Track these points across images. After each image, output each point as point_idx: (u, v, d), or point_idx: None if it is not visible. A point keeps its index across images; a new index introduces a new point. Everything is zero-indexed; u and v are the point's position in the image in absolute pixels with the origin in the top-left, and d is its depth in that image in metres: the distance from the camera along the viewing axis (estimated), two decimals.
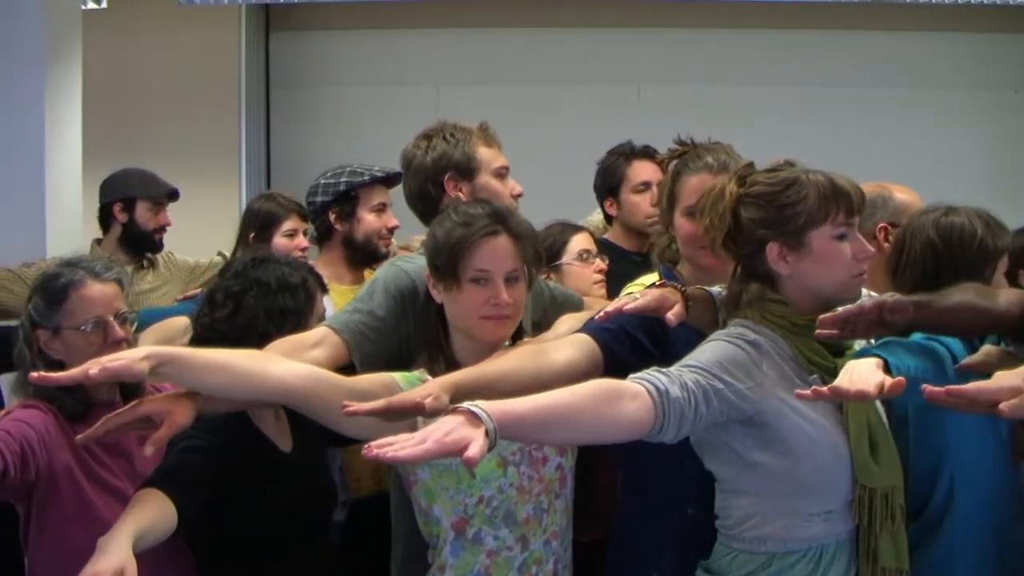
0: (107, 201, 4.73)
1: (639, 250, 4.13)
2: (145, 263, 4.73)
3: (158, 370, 2.22)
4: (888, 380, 2.13)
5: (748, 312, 2.43)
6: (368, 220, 3.86)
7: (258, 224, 4.29)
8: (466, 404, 1.94)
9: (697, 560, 2.53)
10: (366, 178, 3.85)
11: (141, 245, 4.72)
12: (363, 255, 3.88)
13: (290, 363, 2.42)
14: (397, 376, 2.52)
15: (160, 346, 2.31)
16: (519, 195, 3.10)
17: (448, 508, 2.55)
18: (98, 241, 4.77)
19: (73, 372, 2.17)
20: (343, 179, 3.86)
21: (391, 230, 3.90)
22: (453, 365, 2.55)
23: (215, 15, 7.27)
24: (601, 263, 3.74)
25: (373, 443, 1.85)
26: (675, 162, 2.79)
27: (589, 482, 2.94)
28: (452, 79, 7.61)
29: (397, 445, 1.85)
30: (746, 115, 7.11)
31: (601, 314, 2.46)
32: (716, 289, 2.58)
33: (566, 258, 3.69)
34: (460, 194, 2.98)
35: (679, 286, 2.50)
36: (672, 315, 2.38)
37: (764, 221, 2.39)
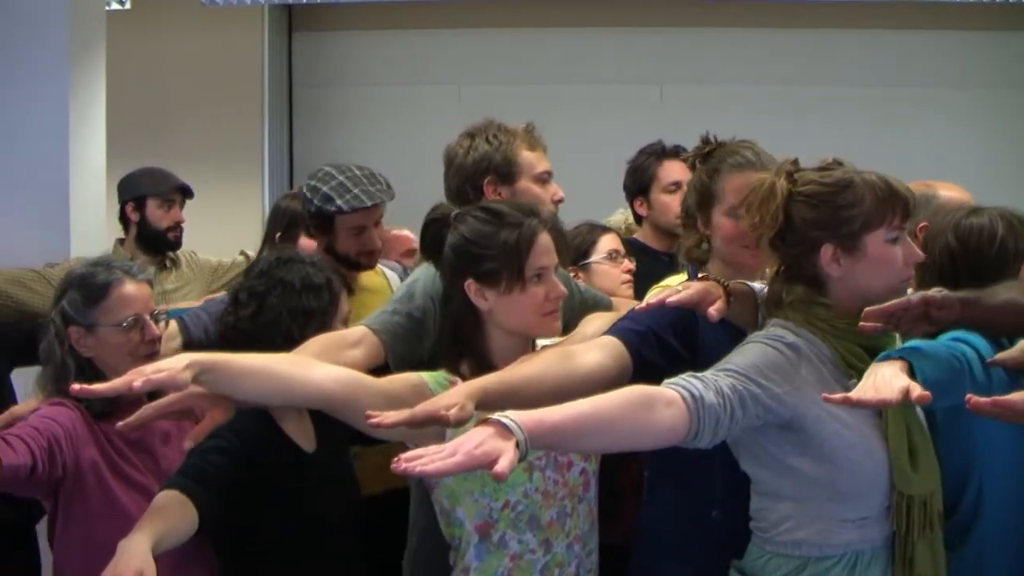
0: (122, 202, 4.74)
1: (668, 250, 4.05)
2: (168, 263, 4.69)
3: (200, 379, 2.21)
4: (915, 387, 2.09)
5: (790, 313, 2.39)
6: (347, 243, 3.61)
7: (284, 223, 4.25)
8: (496, 415, 1.91)
9: (721, 563, 2.51)
10: (346, 208, 3.55)
11: (156, 244, 4.68)
12: (347, 265, 3.62)
13: (328, 368, 2.40)
14: (426, 376, 2.51)
15: (201, 354, 2.28)
16: (560, 200, 3.07)
17: (472, 511, 2.54)
18: (120, 241, 4.77)
19: (116, 383, 2.15)
20: (327, 205, 3.57)
21: (371, 253, 3.68)
22: (486, 367, 2.51)
23: (238, 15, 7.29)
24: (629, 263, 3.73)
25: (402, 456, 1.84)
26: (710, 160, 2.75)
27: (613, 487, 2.93)
28: (474, 79, 7.60)
29: (426, 458, 1.83)
30: (770, 115, 7.09)
31: (642, 307, 2.43)
32: (758, 285, 2.54)
33: (594, 258, 3.69)
34: (499, 198, 2.95)
35: (722, 281, 2.47)
36: (714, 310, 2.35)
37: (818, 222, 2.35)
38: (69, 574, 2.77)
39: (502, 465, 1.81)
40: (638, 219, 4.26)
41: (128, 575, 2.10)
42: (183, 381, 2.17)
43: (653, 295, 2.46)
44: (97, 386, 2.19)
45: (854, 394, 2.09)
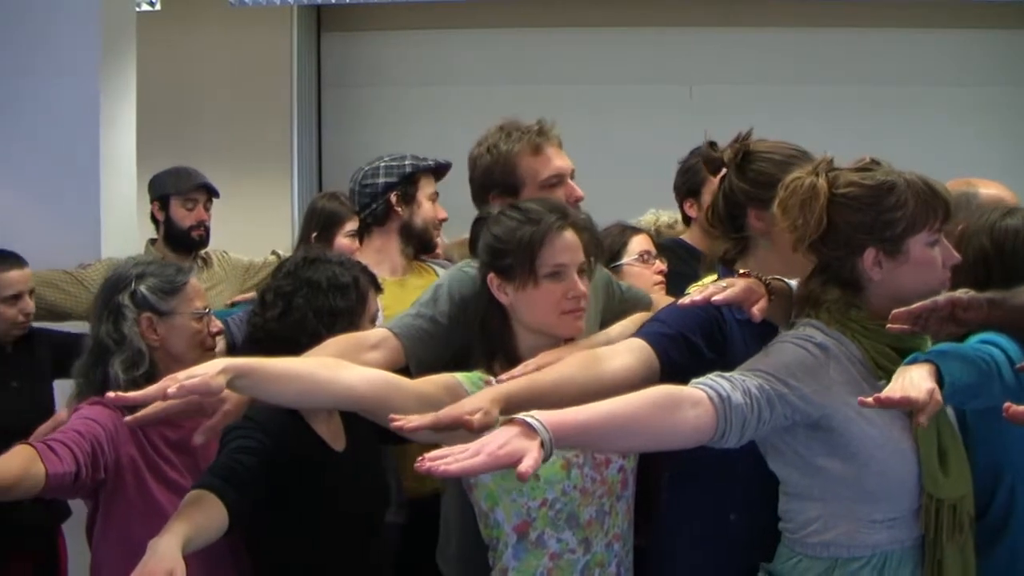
0: (150, 201, 4.76)
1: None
2: (199, 262, 4.69)
3: (234, 383, 2.21)
4: (937, 393, 2.08)
5: (822, 314, 2.36)
6: (426, 207, 3.78)
7: (321, 223, 4.27)
8: (521, 415, 1.91)
9: (740, 566, 2.49)
10: (430, 163, 3.80)
11: (181, 243, 4.68)
12: (418, 243, 3.79)
13: (360, 369, 2.39)
14: (460, 377, 2.51)
15: (235, 359, 2.28)
16: (578, 199, 3.00)
17: (510, 511, 2.54)
18: (152, 241, 4.78)
19: (150, 390, 2.16)
20: (407, 162, 3.77)
21: (441, 222, 3.84)
22: (515, 365, 2.53)
23: (267, 16, 7.31)
24: (661, 264, 3.70)
25: (426, 456, 1.83)
26: (752, 160, 2.68)
27: (646, 486, 2.92)
28: (502, 79, 7.59)
29: (450, 458, 1.83)
30: (799, 114, 7.05)
31: (688, 302, 2.41)
32: (794, 282, 2.51)
33: (626, 259, 3.66)
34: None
35: (764, 278, 2.44)
36: (756, 310, 2.34)
37: (862, 225, 2.31)
38: (107, 573, 2.79)
39: (526, 464, 1.81)
40: (687, 220, 4.18)
41: (158, 575, 2.10)
42: (217, 386, 2.17)
43: (695, 291, 2.42)
44: (132, 394, 2.21)
45: (883, 394, 2.07)
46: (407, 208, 3.73)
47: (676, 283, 3.59)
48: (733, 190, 2.67)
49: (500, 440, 1.86)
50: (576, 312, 2.58)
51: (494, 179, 2.97)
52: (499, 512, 2.55)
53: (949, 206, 2.34)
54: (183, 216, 4.67)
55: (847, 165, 2.40)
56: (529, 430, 1.88)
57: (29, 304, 3.90)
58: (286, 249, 4.50)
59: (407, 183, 3.72)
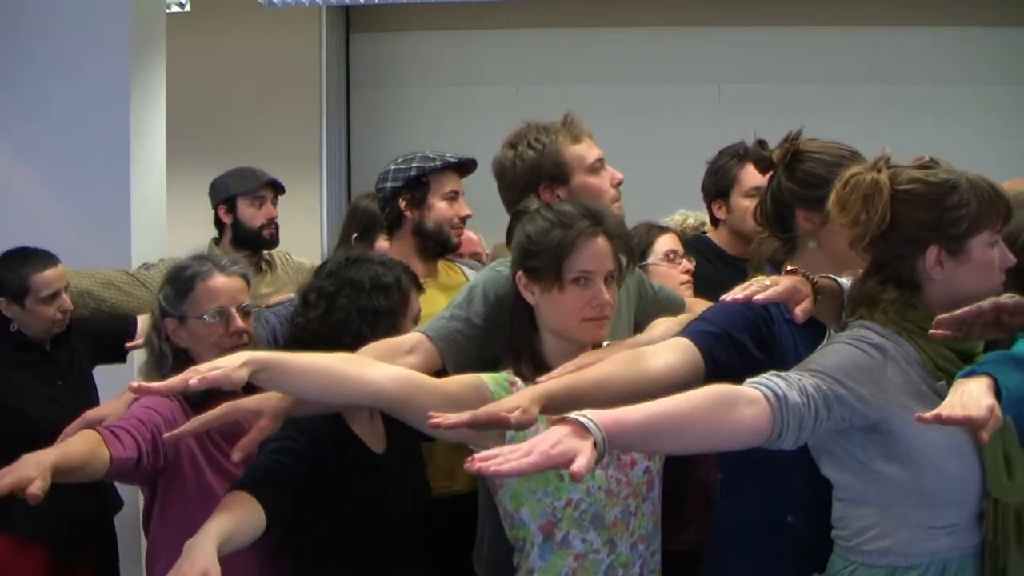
0: (214, 205, 4.62)
1: (744, 256, 3.81)
2: (263, 265, 4.59)
3: (256, 376, 2.21)
4: (999, 410, 2.03)
5: (878, 315, 2.31)
6: (439, 208, 3.64)
7: (363, 224, 4.23)
8: (574, 414, 1.87)
9: (797, 571, 2.43)
10: (437, 164, 3.64)
11: (252, 243, 4.54)
12: (434, 244, 3.66)
13: (385, 367, 2.39)
14: (485, 377, 2.50)
15: (257, 352, 2.29)
16: (620, 182, 3.01)
17: (536, 511, 2.53)
18: (215, 241, 4.64)
19: (172, 382, 2.17)
20: (414, 164, 3.65)
21: (463, 219, 3.70)
22: (541, 367, 2.53)
23: (296, 17, 7.33)
24: (688, 263, 3.65)
25: (476, 456, 1.80)
26: (803, 160, 2.62)
27: (678, 490, 2.91)
28: (531, 79, 7.60)
29: (501, 458, 1.79)
30: (828, 113, 7.02)
31: (729, 299, 2.35)
32: (845, 281, 2.46)
33: (652, 258, 3.61)
34: (559, 199, 2.88)
35: (811, 277, 2.39)
36: (800, 311, 2.29)
37: (926, 222, 2.26)
38: (164, 561, 2.79)
39: (579, 464, 1.76)
40: (715, 221, 4.12)
41: (193, 575, 2.11)
42: (239, 379, 2.18)
43: (740, 289, 2.36)
44: (154, 384, 2.22)
45: (943, 411, 2.00)
46: (417, 211, 3.62)
47: (700, 285, 3.59)
48: (781, 190, 2.63)
49: (552, 439, 1.81)
50: (599, 320, 2.55)
51: (543, 171, 2.95)
52: (524, 512, 2.54)
53: (1010, 207, 2.29)
54: (252, 216, 4.54)
55: (905, 163, 2.36)
56: (582, 429, 1.83)
57: (67, 301, 3.90)
58: (312, 248, 4.47)
59: (414, 186, 3.62)
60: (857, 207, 2.30)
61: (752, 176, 3.82)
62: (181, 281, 2.93)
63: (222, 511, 2.37)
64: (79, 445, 2.49)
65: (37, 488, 2.14)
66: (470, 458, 1.80)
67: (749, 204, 3.92)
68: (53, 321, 3.88)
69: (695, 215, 4.50)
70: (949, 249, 2.27)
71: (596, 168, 2.99)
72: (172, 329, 2.91)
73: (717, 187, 4.02)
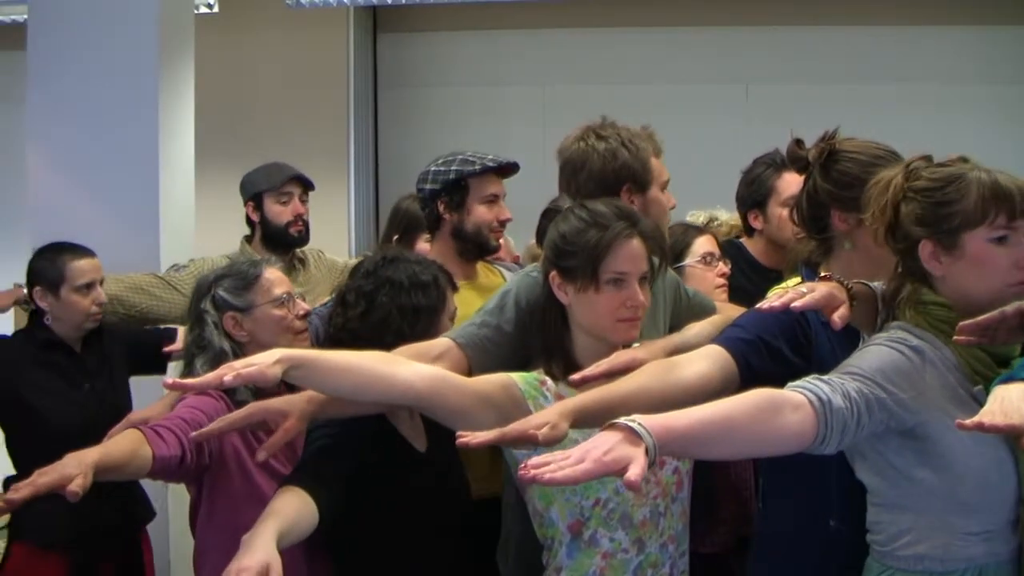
0: (244, 203, 4.53)
1: (777, 266, 3.84)
2: (296, 262, 4.50)
3: (290, 374, 2.23)
4: None
5: (908, 314, 2.30)
6: (479, 212, 3.59)
7: (403, 225, 4.21)
8: (623, 419, 1.86)
9: (840, 574, 2.42)
10: (476, 168, 3.59)
11: (280, 241, 4.45)
12: (473, 247, 3.62)
13: (417, 366, 2.40)
14: (516, 377, 2.51)
15: (290, 350, 2.30)
16: (672, 207, 3.06)
17: (564, 510, 2.53)
18: (247, 239, 4.56)
19: (207, 378, 2.20)
20: (453, 167, 3.60)
21: (503, 223, 3.65)
22: (572, 366, 2.54)
23: (323, 17, 7.35)
24: (724, 267, 3.63)
25: (529, 463, 1.79)
26: (840, 160, 2.59)
27: (709, 491, 2.90)
28: (558, 79, 7.60)
29: (554, 465, 1.78)
30: (856, 112, 6.99)
31: (765, 307, 2.31)
32: (878, 285, 2.44)
33: (689, 260, 3.59)
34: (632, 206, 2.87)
35: (846, 283, 2.36)
36: (838, 317, 2.25)
37: (920, 218, 2.27)
38: (211, 558, 2.83)
39: (633, 472, 1.76)
40: (750, 231, 4.05)
41: (253, 569, 2.11)
42: (273, 376, 2.19)
43: (775, 296, 2.34)
44: (190, 380, 2.26)
45: (984, 418, 1.96)
46: (455, 214, 3.59)
47: (732, 295, 3.56)
48: (817, 190, 2.61)
49: (605, 446, 1.80)
50: (632, 321, 2.56)
51: (632, 172, 2.95)
52: (554, 511, 2.55)
53: (1015, 203, 2.23)
54: (278, 212, 4.43)
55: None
56: (633, 435, 1.83)
57: (101, 294, 3.90)
58: (339, 248, 4.46)
59: (453, 190, 3.58)
60: (871, 206, 2.33)
61: (789, 185, 3.78)
62: (243, 273, 3.01)
63: (277, 506, 2.38)
64: (121, 444, 2.50)
65: (77, 486, 2.14)
66: (523, 465, 1.80)
67: (787, 213, 3.89)
68: (88, 314, 3.86)
69: (705, 213, 4.43)
70: (943, 244, 2.26)
71: (665, 186, 3.03)
72: (232, 324, 2.96)
73: (753, 197, 3.97)
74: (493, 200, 3.62)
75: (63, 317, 3.87)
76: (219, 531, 2.79)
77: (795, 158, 2.66)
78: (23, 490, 2.13)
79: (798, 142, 2.65)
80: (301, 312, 3.03)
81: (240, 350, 2.91)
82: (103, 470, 2.28)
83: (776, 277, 3.72)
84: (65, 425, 3.63)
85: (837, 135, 2.63)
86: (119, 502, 3.81)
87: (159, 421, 2.69)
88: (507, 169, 3.65)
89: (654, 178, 2.98)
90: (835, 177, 2.58)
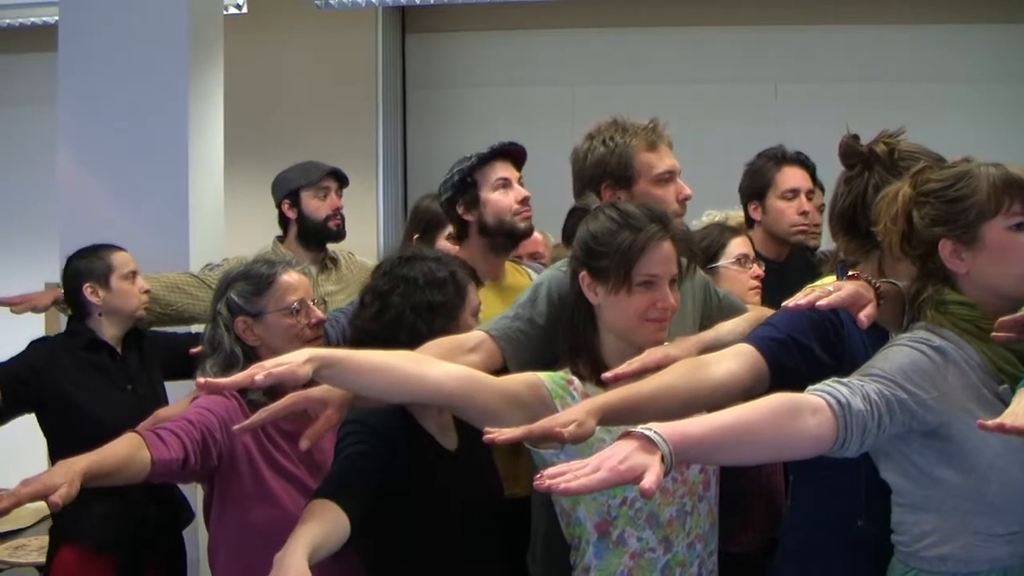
0: (277, 202, 4.57)
1: (777, 258, 4.00)
2: (328, 263, 4.56)
3: (320, 373, 2.22)
4: None
5: (932, 315, 2.28)
6: (494, 199, 3.51)
7: (423, 225, 4.20)
8: (639, 427, 1.86)
9: (868, 574, 2.41)
10: (473, 160, 3.54)
11: (319, 237, 4.51)
12: (501, 237, 3.55)
13: (446, 365, 2.40)
14: (543, 376, 2.51)
15: (321, 349, 2.31)
16: (687, 198, 3.01)
17: (591, 509, 2.54)
18: (280, 239, 4.60)
19: (237, 378, 2.20)
20: (456, 169, 3.57)
21: (523, 202, 3.55)
22: (600, 366, 2.54)
23: (352, 18, 7.35)
24: (758, 269, 3.63)
25: (545, 472, 1.81)
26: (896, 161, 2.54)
27: (738, 491, 2.89)
28: (587, 79, 7.58)
29: (570, 475, 1.79)
30: (885, 112, 6.94)
31: (791, 305, 2.30)
32: (905, 284, 2.43)
33: (724, 261, 3.59)
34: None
35: (873, 281, 2.35)
36: (864, 316, 2.24)
37: (936, 219, 2.26)
38: (223, 554, 2.87)
39: (649, 481, 1.76)
40: (750, 222, 4.12)
41: None
42: (303, 375, 2.19)
43: (802, 295, 2.32)
44: (221, 380, 2.26)
45: (1006, 419, 1.95)
46: (475, 211, 3.54)
47: None
48: (879, 188, 2.49)
49: (620, 455, 1.81)
50: (660, 322, 2.56)
51: (608, 170, 2.96)
52: (580, 511, 2.55)
53: None
54: (317, 207, 4.49)
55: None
56: (649, 444, 1.83)
57: (144, 283, 3.96)
58: (368, 249, 4.45)
59: (463, 189, 3.54)
60: (882, 216, 2.33)
61: (789, 178, 3.97)
62: (258, 278, 3.00)
63: (308, 520, 2.38)
64: (117, 449, 2.50)
65: (59, 497, 2.14)
66: (539, 475, 1.81)
67: (785, 206, 3.98)
68: (141, 301, 3.93)
69: (723, 213, 4.43)
70: (962, 239, 2.25)
71: (663, 179, 2.99)
72: (244, 328, 2.97)
73: (753, 188, 4.08)
74: (505, 184, 3.54)
75: (118, 307, 3.92)
76: (230, 529, 2.82)
77: (851, 153, 2.59)
78: (3, 501, 2.12)
79: (854, 136, 2.60)
80: (314, 320, 3.02)
81: (253, 354, 2.92)
82: (93, 477, 2.29)
83: (777, 268, 3.77)
84: (111, 426, 3.65)
85: (897, 134, 2.60)
86: (164, 504, 3.83)
87: (162, 424, 2.70)
88: (508, 152, 3.59)
89: (640, 173, 2.96)
90: (902, 176, 2.45)
